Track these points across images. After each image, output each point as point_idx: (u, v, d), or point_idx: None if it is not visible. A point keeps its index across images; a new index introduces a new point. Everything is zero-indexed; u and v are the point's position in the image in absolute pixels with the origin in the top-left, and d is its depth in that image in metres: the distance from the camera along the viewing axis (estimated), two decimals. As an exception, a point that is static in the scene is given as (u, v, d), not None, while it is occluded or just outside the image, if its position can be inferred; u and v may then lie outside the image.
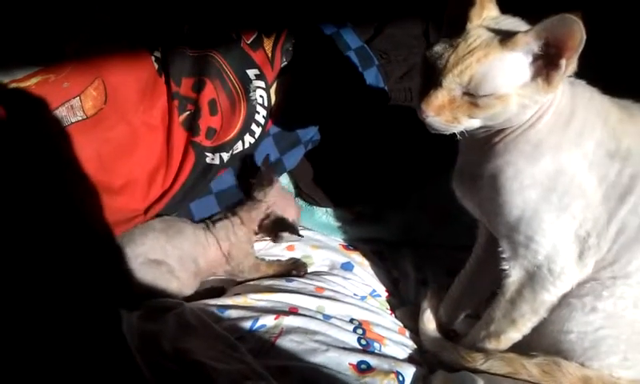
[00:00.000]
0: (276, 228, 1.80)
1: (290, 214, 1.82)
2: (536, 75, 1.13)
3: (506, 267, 1.32)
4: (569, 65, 1.09)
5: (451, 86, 1.13)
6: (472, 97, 1.13)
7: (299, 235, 1.81)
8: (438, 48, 1.18)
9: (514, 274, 1.31)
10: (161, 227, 1.66)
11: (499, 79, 1.12)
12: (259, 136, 1.85)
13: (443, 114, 1.15)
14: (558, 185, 1.21)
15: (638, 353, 1.26)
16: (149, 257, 1.58)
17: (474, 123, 1.18)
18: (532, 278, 1.28)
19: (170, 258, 1.61)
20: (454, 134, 1.22)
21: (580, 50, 1.06)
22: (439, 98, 1.15)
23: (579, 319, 1.26)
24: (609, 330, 1.25)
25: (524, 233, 1.25)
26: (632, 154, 1.20)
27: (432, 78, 1.17)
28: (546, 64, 1.12)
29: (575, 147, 1.21)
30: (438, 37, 1.24)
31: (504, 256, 1.32)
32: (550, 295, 1.28)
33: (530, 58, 1.12)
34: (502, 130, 1.23)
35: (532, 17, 1.15)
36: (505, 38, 1.12)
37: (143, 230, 1.64)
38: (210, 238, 1.71)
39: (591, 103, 1.25)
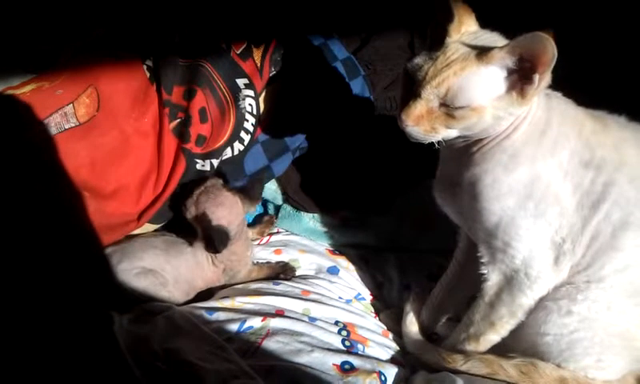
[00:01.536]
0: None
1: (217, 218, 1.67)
2: (510, 88, 1.17)
3: (485, 271, 1.36)
4: (542, 79, 1.14)
5: (429, 97, 1.17)
6: (449, 108, 1.17)
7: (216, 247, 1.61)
8: (418, 60, 1.22)
9: (493, 278, 1.35)
10: (162, 246, 1.68)
11: (474, 92, 1.16)
12: (248, 143, 1.88)
13: (422, 123, 1.19)
14: (534, 192, 1.25)
15: (611, 354, 1.31)
16: (145, 267, 1.60)
17: (451, 133, 1.22)
18: (510, 282, 1.32)
19: (166, 274, 1.63)
20: (434, 143, 1.25)
21: (552, 66, 1.11)
22: (417, 108, 1.19)
23: (555, 322, 1.30)
24: (583, 332, 1.29)
25: (502, 238, 1.29)
26: (605, 163, 1.24)
27: (412, 89, 1.21)
28: (520, 78, 1.16)
29: (550, 157, 1.25)
30: (422, 49, 1.28)
31: (483, 261, 1.36)
32: (527, 299, 1.32)
33: (504, 72, 1.17)
34: (479, 140, 1.27)
35: (512, 30, 1.19)
36: (481, 52, 1.16)
37: (144, 245, 1.66)
38: (208, 258, 1.72)
39: (566, 114, 1.29)
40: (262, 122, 1.91)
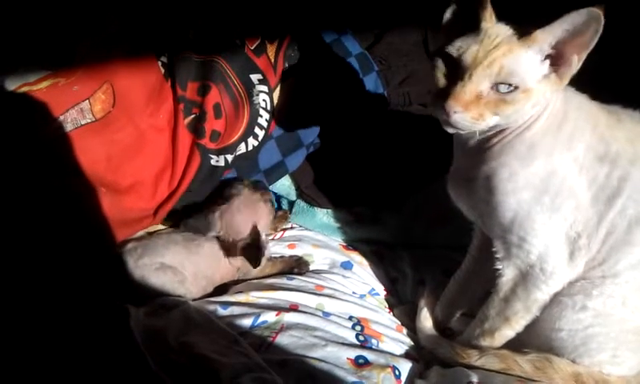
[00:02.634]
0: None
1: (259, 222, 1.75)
2: (548, 72, 1.18)
3: (500, 267, 1.35)
4: (580, 61, 1.14)
5: (480, 79, 1.15)
6: (499, 93, 1.15)
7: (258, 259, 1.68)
8: (460, 43, 1.19)
9: (508, 274, 1.34)
10: (183, 242, 1.70)
11: (524, 73, 1.15)
12: (262, 139, 1.89)
13: (471, 109, 1.15)
14: (550, 187, 1.24)
15: (626, 350, 1.30)
16: (164, 263, 1.62)
17: (493, 121, 1.19)
18: (525, 277, 1.32)
19: (185, 271, 1.65)
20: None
21: (592, 46, 1.11)
22: (467, 92, 1.15)
23: (570, 317, 1.30)
24: (598, 327, 1.28)
25: (517, 233, 1.29)
26: (620, 157, 1.23)
27: (455, 74, 1.18)
28: (555, 62, 1.16)
29: (566, 150, 1.25)
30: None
31: (498, 256, 1.35)
32: (542, 294, 1.32)
33: (543, 55, 1.17)
34: (500, 132, 1.26)
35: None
36: (522, 35, 1.16)
37: (166, 242, 1.68)
38: (222, 252, 1.74)
39: (581, 108, 1.28)
40: (275, 117, 1.91)
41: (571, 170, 1.25)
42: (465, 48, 1.17)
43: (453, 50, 1.19)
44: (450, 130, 1.22)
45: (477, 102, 1.15)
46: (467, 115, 1.15)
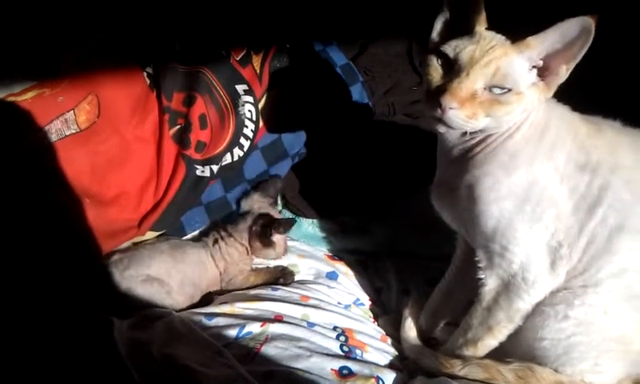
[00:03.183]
0: (265, 227, 1.81)
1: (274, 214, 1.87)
2: (537, 80, 1.20)
3: (483, 276, 1.36)
4: (568, 71, 1.16)
5: (477, 77, 1.16)
6: (493, 93, 1.17)
7: (288, 225, 1.84)
8: (457, 43, 1.20)
9: (490, 283, 1.35)
10: (169, 250, 1.70)
11: (517, 77, 1.17)
12: (248, 149, 1.90)
13: (465, 107, 1.16)
14: (532, 196, 1.25)
15: (608, 359, 1.30)
16: (150, 275, 1.62)
17: (484, 123, 1.19)
18: (507, 287, 1.33)
19: (172, 281, 1.65)
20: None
21: (581, 57, 1.13)
22: (463, 89, 1.16)
23: (552, 327, 1.30)
24: (580, 336, 1.29)
25: (499, 242, 1.29)
26: (601, 166, 1.25)
27: (451, 72, 1.19)
28: (543, 72, 1.19)
29: (548, 160, 1.26)
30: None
31: (481, 265, 1.36)
32: (524, 303, 1.32)
33: (531, 65, 1.19)
34: (483, 140, 1.28)
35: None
36: (516, 40, 1.18)
37: (152, 252, 1.68)
38: (209, 258, 1.76)
39: (562, 119, 1.30)
40: (261, 127, 1.92)
41: (552, 179, 1.26)
42: (462, 47, 1.19)
43: (449, 49, 1.21)
44: (442, 129, 1.22)
45: (472, 100, 1.16)
46: (462, 112, 1.16)
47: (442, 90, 1.17)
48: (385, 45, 2.07)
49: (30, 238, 1.49)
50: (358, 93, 1.98)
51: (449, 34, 1.26)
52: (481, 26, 1.22)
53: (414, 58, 2.05)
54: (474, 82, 1.16)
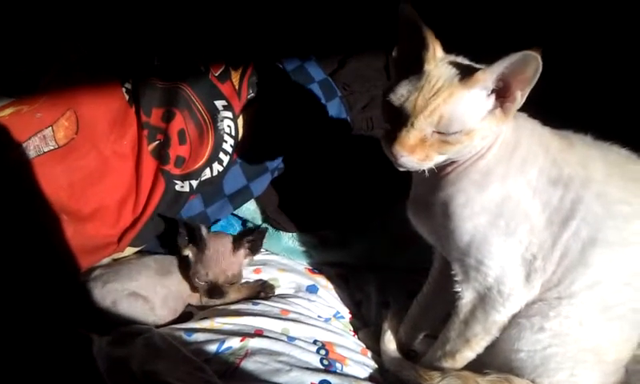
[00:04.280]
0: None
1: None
2: (493, 107, 1.20)
3: (459, 289, 1.37)
4: (523, 97, 1.18)
5: (423, 126, 1.18)
6: (442, 134, 1.19)
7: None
8: (402, 91, 1.21)
9: (467, 296, 1.36)
10: (155, 267, 1.72)
11: (465, 116, 1.18)
12: (227, 164, 1.90)
13: (416, 153, 1.19)
14: (505, 211, 1.27)
15: (584, 369, 1.32)
16: (136, 291, 1.62)
17: (441, 158, 1.23)
18: (483, 300, 1.34)
19: (156, 297, 1.65)
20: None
21: (534, 83, 1.15)
22: (411, 138, 1.18)
23: (528, 338, 1.32)
24: (556, 347, 1.30)
25: (474, 256, 1.31)
26: (572, 180, 1.26)
27: (399, 119, 1.21)
28: (499, 96, 1.19)
29: (520, 175, 1.28)
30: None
31: (457, 279, 1.37)
32: (500, 316, 1.34)
33: (487, 93, 1.20)
34: (453, 162, 1.29)
35: (473, 54, 1.25)
36: (464, 77, 1.18)
37: (139, 267, 1.69)
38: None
39: (534, 134, 1.32)
40: (240, 142, 1.92)
41: (525, 193, 1.28)
42: (405, 96, 1.20)
43: (394, 98, 1.22)
44: (401, 169, 1.26)
45: (422, 145, 1.19)
46: (414, 158, 1.20)
47: (392, 137, 1.21)
48: (363, 60, 2.08)
49: (8, 255, 1.48)
50: (336, 108, 1.99)
51: (403, 72, 1.26)
52: (430, 64, 1.21)
53: (391, 74, 2.06)
54: (420, 130, 1.18)
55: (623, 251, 1.27)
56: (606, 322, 1.30)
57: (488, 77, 1.16)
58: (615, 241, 1.26)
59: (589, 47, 1.96)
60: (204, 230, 1.75)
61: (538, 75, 1.13)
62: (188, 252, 1.74)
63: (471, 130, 1.19)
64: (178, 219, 1.75)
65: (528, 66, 1.12)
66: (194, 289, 1.76)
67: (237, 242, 1.76)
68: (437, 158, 1.22)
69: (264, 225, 2.07)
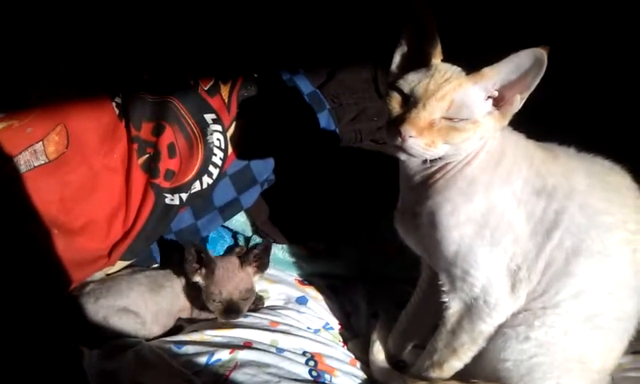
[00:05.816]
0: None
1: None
2: (492, 109, 1.24)
3: (446, 300, 1.39)
4: (522, 100, 1.20)
5: (433, 109, 1.20)
6: (450, 120, 1.21)
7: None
8: (412, 77, 1.25)
9: (454, 306, 1.38)
10: (147, 282, 1.72)
11: (473, 106, 1.21)
12: (217, 177, 1.91)
13: (424, 135, 1.20)
14: (490, 221, 1.29)
15: (570, 378, 1.33)
16: (127, 307, 1.63)
17: (443, 150, 1.23)
18: (470, 310, 1.35)
19: (148, 313, 1.66)
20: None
21: (534, 86, 1.18)
22: (421, 119, 1.19)
23: (514, 348, 1.33)
24: (542, 357, 1.31)
25: (460, 266, 1.32)
26: (556, 191, 1.28)
27: (408, 105, 1.24)
28: (497, 102, 1.23)
29: (505, 185, 1.30)
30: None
31: (444, 289, 1.39)
32: (486, 325, 1.35)
33: (489, 92, 1.23)
34: (442, 168, 1.31)
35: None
36: (471, 71, 1.22)
37: (130, 283, 1.70)
38: (182, 289, 1.77)
39: (518, 146, 1.34)
40: (230, 155, 1.93)
41: (510, 204, 1.29)
42: (416, 82, 1.23)
43: (404, 84, 1.25)
44: (403, 157, 1.27)
45: (430, 128, 1.20)
46: (421, 141, 1.20)
47: (401, 119, 1.21)
48: (351, 72, 2.10)
49: (-1, 268, 1.49)
50: (325, 120, 2.01)
51: (407, 65, 1.30)
52: (437, 59, 1.27)
53: (379, 85, 2.09)
54: (430, 113, 1.20)
55: (606, 261, 1.28)
56: (590, 330, 1.31)
57: (494, 74, 1.20)
58: (598, 251, 1.27)
59: (575, 57, 1.98)
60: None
61: (540, 78, 1.16)
62: (198, 278, 1.73)
63: (477, 121, 1.22)
64: (186, 246, 1.73)
65: (533, 65, 1.15)
66: (188, 304, 1.77)
67: (243, 258, 1.75)
68: (441, 147, 1.22)
69: (254, 236, 2.09)
